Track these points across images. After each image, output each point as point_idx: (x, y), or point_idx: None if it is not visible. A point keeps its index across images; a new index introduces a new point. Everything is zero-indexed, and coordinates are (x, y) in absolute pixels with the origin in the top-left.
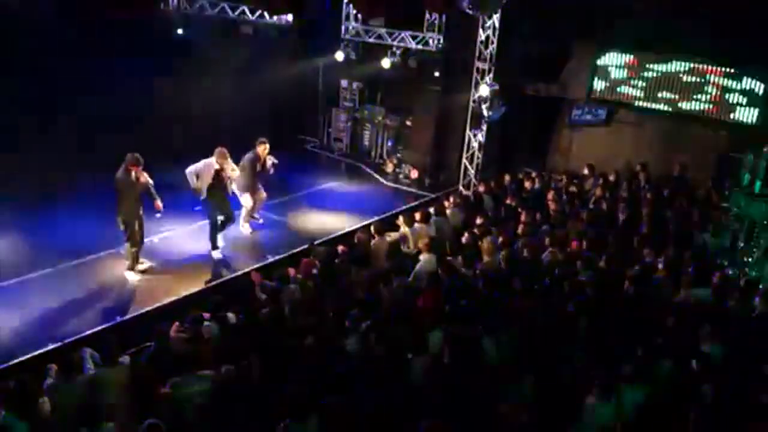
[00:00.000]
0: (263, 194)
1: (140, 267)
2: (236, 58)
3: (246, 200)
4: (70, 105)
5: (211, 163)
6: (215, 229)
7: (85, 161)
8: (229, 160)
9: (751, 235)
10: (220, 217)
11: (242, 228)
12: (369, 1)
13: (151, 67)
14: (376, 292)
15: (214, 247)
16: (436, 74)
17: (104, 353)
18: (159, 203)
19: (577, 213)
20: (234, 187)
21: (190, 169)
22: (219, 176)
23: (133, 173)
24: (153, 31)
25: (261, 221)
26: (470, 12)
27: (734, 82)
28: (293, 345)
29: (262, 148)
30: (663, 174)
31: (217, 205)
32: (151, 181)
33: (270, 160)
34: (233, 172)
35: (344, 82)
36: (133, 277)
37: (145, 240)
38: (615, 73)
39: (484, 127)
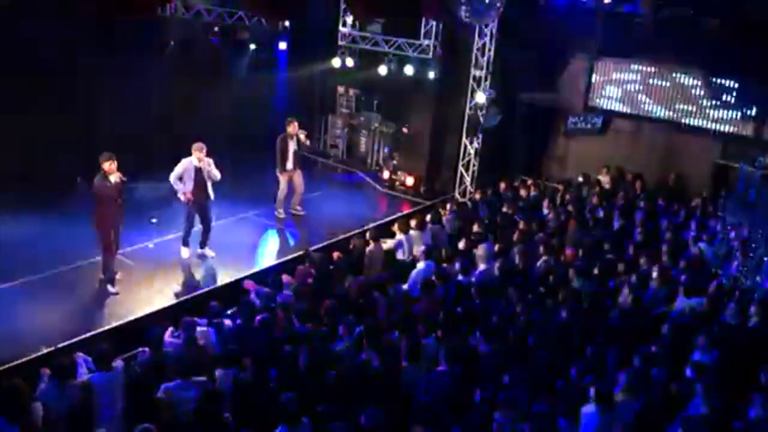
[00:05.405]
0: (300, 179)
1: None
2: (232, 63)
3: (281, 183)
4: (69, 106)
5: (189, 160)
6: (190, 228)
7: (82, 163)
8: (205, 156)
9: (745, 245)
10: (198, 223)
11: (276, 213)
12: (366, 7)
13: (149, 71)
14: (371, 298)
15: (185, 244)
16: (433, 81)
17: (98, 358)
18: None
19: (572, 221)
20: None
21: (173, 175)
22: (198, 174)
23: (108, 174)
24: (151, 36)
25: (302, 213)
26: (467, 20)
27: (731, 92)
28: (288, 351)
29: (292, 127)
30: (658, 182)
31: (198, 207)
32: (123, 178)
33: (302, 134)
34: (211, 168)
35: (341, 89)
36: (111, 290)
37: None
38: (612, 82)
39: (480, 135)
